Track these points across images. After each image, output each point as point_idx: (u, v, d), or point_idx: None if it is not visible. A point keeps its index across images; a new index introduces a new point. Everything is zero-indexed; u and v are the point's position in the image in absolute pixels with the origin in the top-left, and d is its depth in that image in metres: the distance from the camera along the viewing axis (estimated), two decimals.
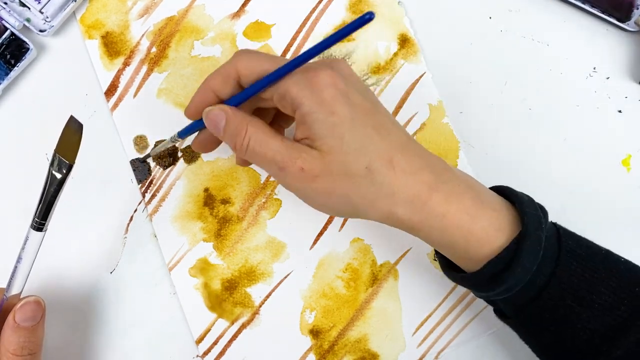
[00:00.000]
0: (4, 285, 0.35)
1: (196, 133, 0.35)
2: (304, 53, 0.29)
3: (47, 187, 0.32)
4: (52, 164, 0.32)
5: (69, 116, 0.34)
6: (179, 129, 0.36)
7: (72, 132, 0.33)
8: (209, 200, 0.41)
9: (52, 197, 0.33)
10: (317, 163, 0.30)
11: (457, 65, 0.42)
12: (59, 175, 0.32)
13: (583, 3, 0.42)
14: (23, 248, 0.33)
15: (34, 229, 0.33)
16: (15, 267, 0.34)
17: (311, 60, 0.30)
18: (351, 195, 0.30)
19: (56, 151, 0.32)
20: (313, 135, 0.30)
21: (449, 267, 0.33)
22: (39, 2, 0.41)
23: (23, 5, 0.41)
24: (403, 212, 0.30)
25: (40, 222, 0.33)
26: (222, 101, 0.33)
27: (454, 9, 0.43)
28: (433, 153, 0.32)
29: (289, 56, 0.42)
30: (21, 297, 0.34)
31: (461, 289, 0.40)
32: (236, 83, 0.32)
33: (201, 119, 0.33)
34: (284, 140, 0.31)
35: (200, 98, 0.33)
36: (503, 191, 0.33)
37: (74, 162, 0.32)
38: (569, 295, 0.30)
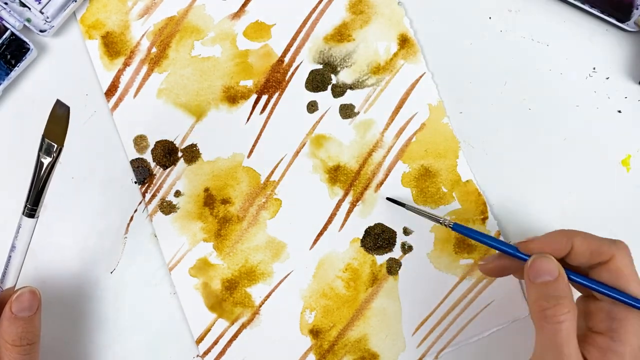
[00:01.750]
0: None
1: (495, 254, 0.36)
2: None
3: (37, 173, 0.32)
4: (40, 149, 0.32)
5: (54, 100, 0.33)
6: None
7: (59, 115, 0.33)
8: (209, 200, 0.41)
9: (43, 183, 0.33)
10: None
11: (457, 65, 0.42)
12: (48, 160, 0.32)
13: (583, 3, 0.42)
14: (16, 236, 0.33)
15: (26, 216, 0.33)
16: (9, 256, 0.34)
17: None
18: None
19: (44, 136, 0.32)
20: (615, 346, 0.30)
21: None
22: (40, 3, 0.41)
23: (23, 5, 0.41)
24: None
25: (31, 208, 0.33)
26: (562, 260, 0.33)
27: (454, 9, 0.43)
28: None
29: (289, 56, 0.42)
30: (15, 288, 0.34)
31: (461, 289, 0.40)
32: (595, 264, 0.32)
33: (516, 248, 0.34)
34: (580, 356, 0.31)
35: (555, 245, 0.32)
36: None
37: (62, 145, 0.32)
38: None
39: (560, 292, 0.31)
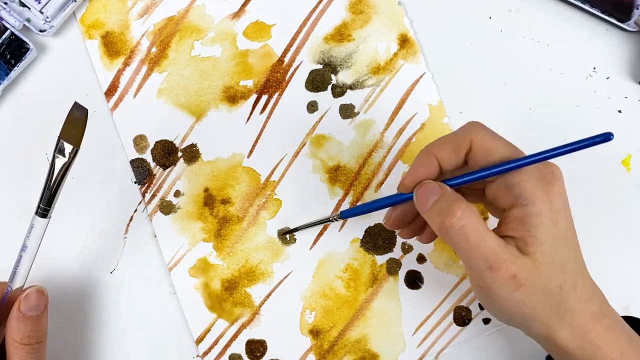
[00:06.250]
0: (6, 280, 0.35)
1: (389, 209, 0.34)
2: (549, 151, 0.30)
3: (51, 173, 0.32)
4: (56, 150, 0.32)
5: (72, 102, 0.34)
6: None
7: (77, 117, 0.33)
8: (209, 200, 0.41)
9: (57, 183, 0.33)
10: (528, 272, 0.29)
11: (457, 65, 0.42)
12: (63, 161, 0.32)
13: (583, 3, 0.42)
14: (28, 236, 0.34)
15: (38, 216, 0.33)
16: (20, 255, 0.34)
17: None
18: (538, 310, 0.30)
19: (60, 137, 0.32)
20: (531, 239, 0.29)
21: None
22: (39, 2, 0.41)
23: (23, 5, 0.41)
24: (564, 336, 0.30)
25: (45, 208, 0.33)
26: (442, 173, 0.32)
27: (454, 9, 0.43)
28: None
29: (289, 56, 0.42)
30: (24, 288, 0.34)
31: (461, 289, 0.40)
32: (464, 156, 0.31)
33: (399, 193, 0.32)
34: (499, 238, 0.29)
35: (424, 169, 0.31)
36: None
37: (79, 147, 0.33)
38: None
39: (448, 200, 0.30)
